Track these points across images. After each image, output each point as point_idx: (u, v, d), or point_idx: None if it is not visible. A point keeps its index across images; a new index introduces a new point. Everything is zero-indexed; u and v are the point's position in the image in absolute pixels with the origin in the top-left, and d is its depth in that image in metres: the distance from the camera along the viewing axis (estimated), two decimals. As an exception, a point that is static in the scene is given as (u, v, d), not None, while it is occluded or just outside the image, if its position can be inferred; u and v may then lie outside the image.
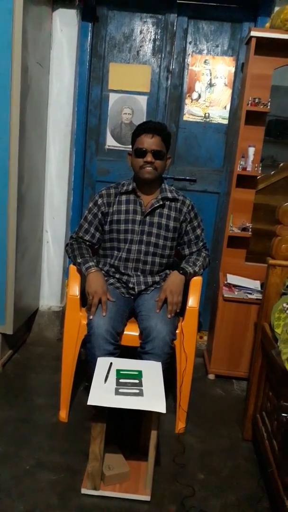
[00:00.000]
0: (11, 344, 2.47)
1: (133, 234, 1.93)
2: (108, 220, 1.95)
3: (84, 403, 1.95)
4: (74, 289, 1.94)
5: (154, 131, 1.85)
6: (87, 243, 1.98)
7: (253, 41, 2.24)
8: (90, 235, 1.98)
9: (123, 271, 1.96)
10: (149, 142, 1.84)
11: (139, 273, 1.96)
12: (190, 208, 1.99)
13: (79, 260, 1.91)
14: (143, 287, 1.95)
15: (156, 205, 1.93)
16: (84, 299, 1.89)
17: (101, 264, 2.02)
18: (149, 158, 1.84)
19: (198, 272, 1.97)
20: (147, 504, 1.57)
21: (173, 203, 1.96)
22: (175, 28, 2.61)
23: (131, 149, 1.94)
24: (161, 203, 1.93)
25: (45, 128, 2.53)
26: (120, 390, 1.52)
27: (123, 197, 1.95)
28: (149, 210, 1.92)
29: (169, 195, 1.95)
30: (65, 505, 1.53)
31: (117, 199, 1.95)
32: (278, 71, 2.37)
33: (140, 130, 1.87)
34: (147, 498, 1.58)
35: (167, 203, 1.95)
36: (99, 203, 1.95)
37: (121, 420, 1.85)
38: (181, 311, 1.90)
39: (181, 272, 1.90)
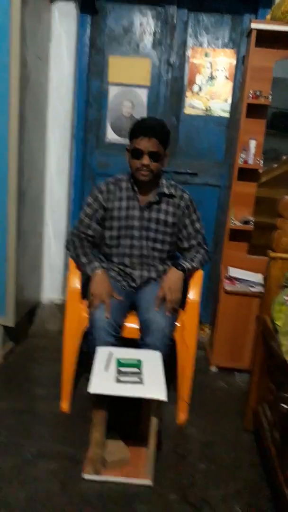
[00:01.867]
0: (13, 336, 2.48)
1: (133, 229, 1.92)
2: (108, 216, 1.93)
3: (85, 394, 1.96)
4: (75, 282, 1.95)
5: (151, 133, 1.80)
6: (89, 238, 1.96)
7: (254, 33, 2.23)
8: (92, 230, 1.95)
9: (127, 264, 1.96)
10: (146, 144, 1.80)
11: (143, 267, 1.97)
12: (188, 202, 1.97)
13: (83, 260, 1.89)
14: (145, 279, 1.96)
15: (153, 201, 1.92)
16: (85, 292, 1.90)
17: (104, 260, 2.01)
18: (145, 160, 1.81)
19: (196, 268, 1.95)
20: (149, 488, 1.58)
21: (171, 198, 1.95)
22: (175, 21, 2.60)
23: (129, 144, 1.90)
24: (158, 199, 1.92)
25: (44, 122, 2.53)
26: (120, 379, 1.54)
27: (122, 193, 1.93)
28: (146, 205, 1.92)
29: (166, 191, 1.93)
30: (66, 492, 1.54)
31: (116, 195, 1.93)
32: (283, 63, 2.35)
33: (137, 130, 1.83)
34: (148, 482, 1.60)
35: (165, 198, 1.94)
36: (99, 198, 1.93)
37: (121, 409, 1.86)
38: (181, 304, 1.90)
39: (179, 268, 1.88)
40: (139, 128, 1.83)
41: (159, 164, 1.86)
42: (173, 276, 1.86)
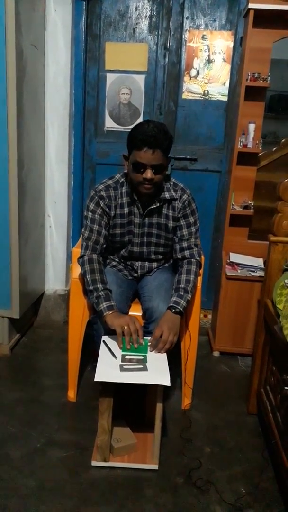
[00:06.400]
0: (19, 328, 2.51)
1: (134, 236, 1.89)
2: (111, 223, 1.87)
3: (91, 383, 2.00)
4: (77, 272, 1.95)
5: (155, 144, 1.64)
6: (103, 248, 1.85)
7: (251, 14, 2.19)
8: (103, 237, 1.84)
9: (128, 258, 1.97)
10: (150, 157, 1.66)
11: (144, 261, 1.97)
12: (186, 203, 1.86)
13: (101, 293, 1.72)
14: (146, 270, 1.97)
15: (153, 207, 1.84)
16: None
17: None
18: (148, 174, 1.68)
19: (191, 298, 1.82)
20: (155, 473, 1.63)
21: (172, 201, 1.87)
22: (171, 3, 2.55)
23: (127, 152, 1.76)
24: (158, 205, 1.85)
25: (42, 112, 2.51)
26: (125, 366, 1.57)
27: (123, 199, 1.85)
28: (147, 212, 1.85)
29: (167, 195, 1.84)
30: (75, 479, 1.59)
31: (117, 201, 1.84)
32: (281, 44, 2.31)
33: (139, 142, 1.65)
34: (155, 467, 1.64)
35: (166, 201, 1.87)
36: (101, 204, 1.83)
37: (127, 395, 1.89)
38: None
39: (175, 311, 1.74)
40: (141, 139, 1.65)
41: (162, 175, 1.76)
42: (171, 317, 1.73)
